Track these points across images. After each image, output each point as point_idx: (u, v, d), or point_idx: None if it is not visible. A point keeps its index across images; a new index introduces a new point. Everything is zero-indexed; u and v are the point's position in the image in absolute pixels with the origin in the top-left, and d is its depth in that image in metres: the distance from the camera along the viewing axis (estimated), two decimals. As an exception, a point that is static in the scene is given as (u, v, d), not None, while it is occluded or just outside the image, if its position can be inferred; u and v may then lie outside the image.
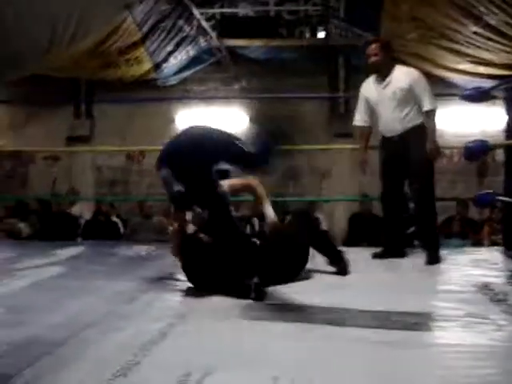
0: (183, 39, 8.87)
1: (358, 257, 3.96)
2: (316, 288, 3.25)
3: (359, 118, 4.35)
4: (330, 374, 1.87)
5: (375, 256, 4.20)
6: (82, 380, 1.79)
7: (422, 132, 4.05)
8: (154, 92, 9.36)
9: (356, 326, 2.41)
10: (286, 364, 1.95)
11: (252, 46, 9.19)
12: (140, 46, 8.70)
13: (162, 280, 3.48)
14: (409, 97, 4.03)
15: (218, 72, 9.69)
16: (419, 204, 4.13)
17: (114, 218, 8.05)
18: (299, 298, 2.93)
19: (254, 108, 9.73)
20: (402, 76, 4.07)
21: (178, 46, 8.91)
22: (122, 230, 7.76)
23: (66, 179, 9.94)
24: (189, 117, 9.93)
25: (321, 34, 9.98)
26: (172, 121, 9.94)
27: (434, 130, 4.04)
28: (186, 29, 8.74)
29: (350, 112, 9.73)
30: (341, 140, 8.96)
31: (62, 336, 2.22)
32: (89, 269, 3.75)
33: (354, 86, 9.45)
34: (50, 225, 7.14)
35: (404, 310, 2.66)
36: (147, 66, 9.02)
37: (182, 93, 9.65)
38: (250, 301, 2.85)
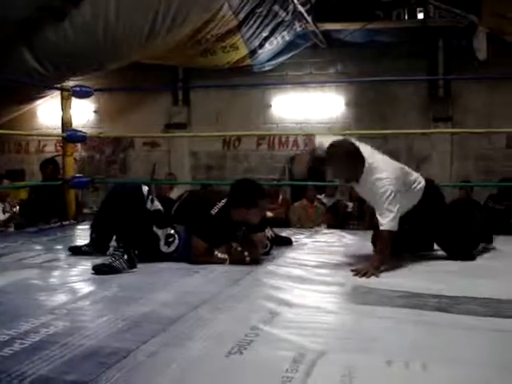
0: (278, 24, 8.86)
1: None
2: (419, 274, 3.21)
3: None
4: (444, 360, 1.82)
5: None
6: (198, 356, 1.82)
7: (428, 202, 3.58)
8: (250, 78, 9.43)
9: (466, 314, 2.34)
10: (399, 348, 1.92)
11: (348, 29, 9.05)
12: (236, 33, 8.78)
13: (266, 262, 3.50)
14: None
15: (313, 57, 9.63)
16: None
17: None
18: (404, 283, 2.88)
19: (350, 92, 9.62)
20: (367, 183, 3.44)
21: (273, 31, 8.92)
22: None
23: (165, 165, 10.21)
24: (285, 102, 9.94)
25: (419, 16, 9.70)
26: (268, 106, 9.99)
27: (380, 252, 3.34)
28: (282, 14, 8.73)
29: (449, 96, 9.50)
30: (440, 124, 8.72)
31: (176, 314, 2.27)
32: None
33: (454, 69, 9.23)
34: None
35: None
36: (243, 52, 9.09)
37: (278, 78, 9.65)
38: (356, 284, 2.84)
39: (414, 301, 2.54)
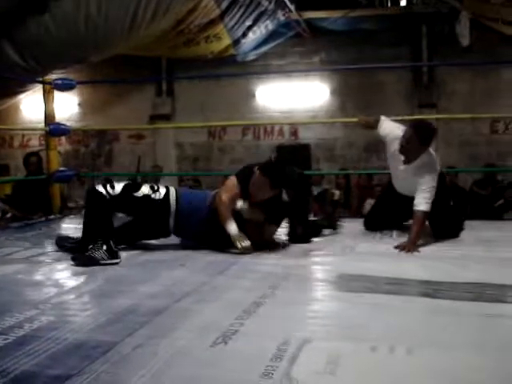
0: (261, 14, 8.84)
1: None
2: (404, 259, 3.23)
3: (381, 128, 4.14)
4: (429, 345, 1.83)
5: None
6: (183, 347, 1.82)
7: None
8: (234, 68, 9.41)
9: (451, 299, 2.36)
10: (384, 334, 1.93)
11: (331, 17, 9.05)
12: (219, 23, 8.75)
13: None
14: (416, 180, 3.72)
15: (297, 45, 9.62)
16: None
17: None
18: (389, 269, 2.90)
19: (334, 81, 9.62)
20: (421, 169, 3.73)
21: (256, 20, 8.90)
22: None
23: (150, 157, 10.18)
24: (269, 91, 9.93)
25: (402, 2, 9.72)
26: (252, 96, 9.97)
27: (417, 232, 3.62)
28: (264, 3, 8.71)
29: (433, 82, 9.54)
30: (425, 110, 8.75)
31: (160, 306, 2.27)
32: (178, 242, 3.80)
33: (438, 55, 9.26)
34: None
35: (496, 282, 2.59)
36: (226, 42, 9.07)
37: (262, 68, 9.65)
38: (341, 272, 2.85)
39: (399, 287, 2.55)
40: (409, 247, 3.49)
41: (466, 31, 8.33)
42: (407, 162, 3.83)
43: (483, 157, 8.93)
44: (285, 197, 3.67)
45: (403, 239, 3.68)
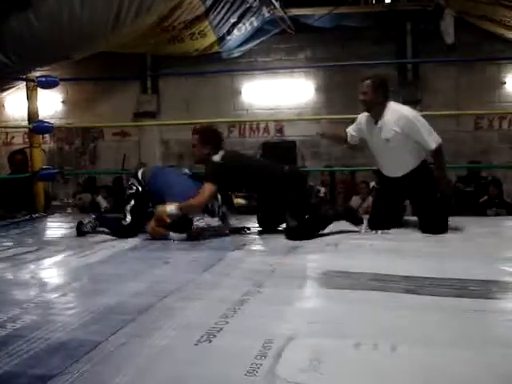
0: (247, 10, 8.84)
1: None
2: (387, 255, 3.24)
3: (350, 134, 4.26)
4: (413, 342, 1.83)
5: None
6: (167, 346, 1.81)
7: (425, 171, 3.92)
8: (219, 65, 9.40)
9: (434, 295, 2.37)
10: (368, 331, 1.93)
11: (316, 14, 9.05)
12: (204, 20, 8.74)
13: (236, 250, 3.50)
14: (403, 141, 3.80)
15: (282, 42, 9.63)
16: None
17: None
18: (373, 265, 2.91)
19: (320, 78, 9.63)
20: (393, 120, 3.80)
21: (241, 17, 8.89)
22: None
23: (135, 154, 10.14)
24: (254, 88, 9.92)
25: (387, 0, 9.73)
26: (238, 93, 9.96)
27: (442, 166, 3.85)
28: (249, 0, 8.69)
29: (418, 79, 9.57)
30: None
31: (144, 304, 2.26)
32: (161, 241, 3.80)
33: (422, 53, 9.29)
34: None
35: (480, 278, 2.60)
36: (211, 39, 9.06)
37: (247, 64, 9.65)
38: (326, 269, 2.85)
39: (384, 283, 2.56)
40: (440, 183, 3.80)
41: (450, 29, 8.37)
42: (376, 116, 3.88)
43: (467, 153, 8.98)
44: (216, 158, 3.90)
45: (387, 235, 3.71)
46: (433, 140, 3.75)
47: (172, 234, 3.84)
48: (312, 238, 3.75)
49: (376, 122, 3.90)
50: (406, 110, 3.87)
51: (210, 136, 4.04)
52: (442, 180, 3.85)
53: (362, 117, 4.10)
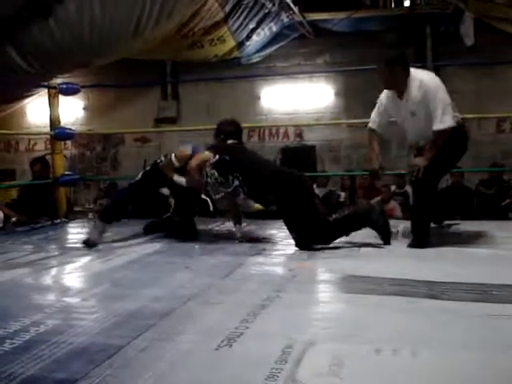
0: (265, 16, 8.85)
1: (451, 229, 3.86)
2: (407, 260, 3.22)
3: (374, 121, 4.07)
4: (433, 347, 1.82)
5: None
6: (188, 350, 1.82)
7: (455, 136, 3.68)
8: (238, 70, 9.41)
9: (455, 300, 2.35)
10: (388, 336, 1.92)
11: (335, 18, 9.04)
12: (223, 25, 8.76)
13: (256, 255, 3.51)
14: (427, 110, 3.62)
15: (301, 47, 9.62)
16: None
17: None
18: (393, 270, 2.90)
19: (339, 82, 9.62)
20: (416, 89, 3.64)
21: (260, 22, 8.91)
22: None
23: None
24: (273, 93, 9.93)
25: (406, 3, 9.70)
26: (257, 98, 9.98)
27: (433, 151, 3.60)
28: (268, 5, 8.71)
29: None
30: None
31: (165, 309, 2.27)
32: (183, 245, 3.82)
33: (442, 56, 9.23)
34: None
35: (502, 282, 2.57)
36: (231, 44, 9.08)
37: (266, 70, 9.65)
38: (346, 274, 2.84)
39: (403, 288, 2.55)
40: (422, 162, 3.56)
41: (470, 31, 8.31)
42: (400, 93, 3.74)
43: (489, 156, 8.89)
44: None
45: (407, 240, 3.69)
46: (440, 121, 3.54)
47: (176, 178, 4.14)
48: (329, 243, 3.67)
49: (400, 96, 3.77)
50: (427, 80, 3.67)
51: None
52: (423, 162, 3.60)
53: (383, 97, 3.97)
